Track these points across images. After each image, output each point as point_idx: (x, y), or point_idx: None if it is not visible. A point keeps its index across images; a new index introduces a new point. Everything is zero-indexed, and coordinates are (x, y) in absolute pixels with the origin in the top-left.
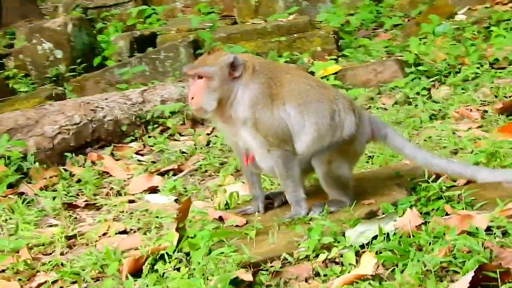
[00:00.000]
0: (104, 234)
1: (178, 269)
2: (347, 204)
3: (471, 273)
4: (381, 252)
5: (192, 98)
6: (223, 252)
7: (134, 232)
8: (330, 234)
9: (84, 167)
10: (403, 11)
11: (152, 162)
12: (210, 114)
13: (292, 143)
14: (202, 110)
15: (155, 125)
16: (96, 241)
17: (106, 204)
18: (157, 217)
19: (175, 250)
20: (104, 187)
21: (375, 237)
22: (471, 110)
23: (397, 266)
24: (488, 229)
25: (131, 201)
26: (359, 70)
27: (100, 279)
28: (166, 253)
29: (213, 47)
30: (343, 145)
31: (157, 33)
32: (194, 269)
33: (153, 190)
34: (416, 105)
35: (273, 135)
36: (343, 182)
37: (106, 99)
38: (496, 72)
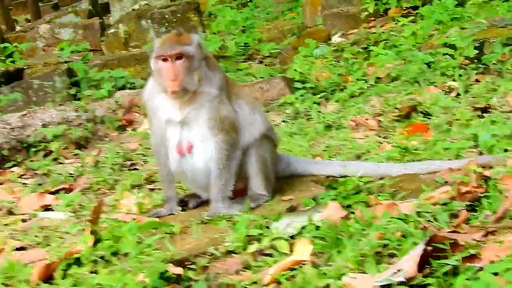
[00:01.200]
0: (0, 251)
1: (96, 272)
2: (267, 198)
3: (422, 245)
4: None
5: (174, 79)
6: (142, 253)
7: (34, 247)
8: (256, 227)
9: None
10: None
11: (39, 184)
12: (189, 95)
13: (239, 135)
14: (183, 90)
15: (38, 149)
16: None
17: None
18: (57, 231)
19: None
20: None
21: (303, 228)
22: (367, 119)
23: (331, 253)
24: (417, 215)
25: (24, 220)
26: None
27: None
28: (83, 255)
29: (177, 29)
30: (273, 147)
31: (24, 67)
32: (112, 271)
33: (47, 208)
34: (308, 119)
35: (229, 121)
36: (268, 172)
37: None
38: (382, 86)
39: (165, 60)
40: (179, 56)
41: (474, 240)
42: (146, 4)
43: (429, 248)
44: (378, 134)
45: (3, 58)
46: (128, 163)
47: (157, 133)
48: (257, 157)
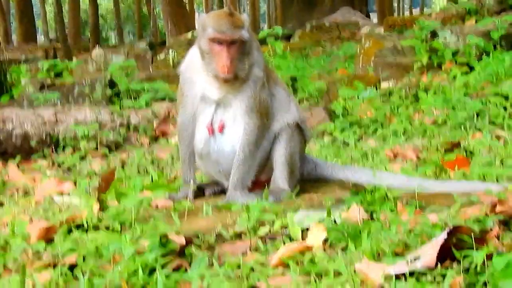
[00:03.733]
0: (8, 224)
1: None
2: (288, 193)
3: (444, 234)
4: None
5: (229, 65)
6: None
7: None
8: (272, 212)
9: None
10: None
11: (60, 177)
12: (239, 81)
13: (271, 121)
14: (234, 77)
15: (66, 146)
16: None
17: (10, 202)
18: (68, 211)
19: (92, 219)
20: (9, 190)
21: (320, 221)
22: (406, 149)
23: (347, 247)
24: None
25: (38, 202)
26: None
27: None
28: (85, 220)
29: (228, 6)
30: (303, 142)
31: (70, 83)
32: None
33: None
34: (345, 149)
35: (265, 105)
36: (294, 167)
37: (17, 113)
38: (427, 127)
39: (219, 43)
40: (233, 41)
41: (502, 243)
42: None
43: (453, 239)
44: (415, 167)
45: (52, 74)
46: (155, 168)
47: (188, 109)
48: (286, 147)
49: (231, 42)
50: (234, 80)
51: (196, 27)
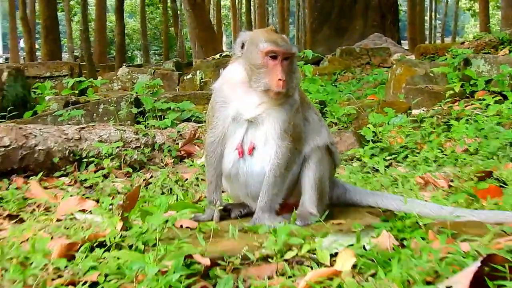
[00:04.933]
0: (28, 240)
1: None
2: (316, 219)
3: (477, 263)
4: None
5: (283, 80)
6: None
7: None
8: (300, 236)
9: (7, 190)
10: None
11: (83, 194)
12: (285, 98)
13: (302, 145)
14: (284, 93)
15: (90, 164)
16: (22, 242)
17: (31, 218)
18: (89, 229)
19: (115, 237)
20: (29, 206)
21: (349, 246)
22: (437, 178)
23: (376, 274)
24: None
25: (59, 220)
26: None
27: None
28: (108, 238)
29: (272, 25)
30: (333, 166)
31: (94, 100)
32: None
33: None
34: (374, 175)
35: (298, 129)
36: (324, 191)
37: (40, 129)
38: (459, 155)
39: (274, 57)
40: (286, 56)
41: None
42: (226, 55)
43: (486, 268)
44: (447, 195)
45: (77, 92)
46: (179, 188)
47: (217, 130)
48: (316, 170)
49: (285, 56)
50: (283, 96)
51: (239, 43)
